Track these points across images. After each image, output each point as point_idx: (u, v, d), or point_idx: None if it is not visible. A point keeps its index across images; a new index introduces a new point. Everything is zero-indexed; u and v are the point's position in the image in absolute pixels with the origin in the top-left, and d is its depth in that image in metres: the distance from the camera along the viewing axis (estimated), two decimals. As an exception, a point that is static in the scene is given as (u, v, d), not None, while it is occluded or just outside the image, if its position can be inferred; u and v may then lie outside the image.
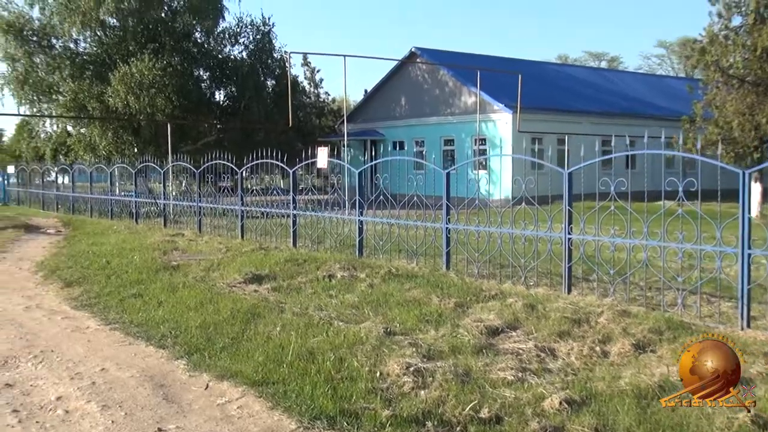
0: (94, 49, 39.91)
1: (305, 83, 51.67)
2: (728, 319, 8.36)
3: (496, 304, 8.98)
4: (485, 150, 35.13)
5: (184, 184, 25.68)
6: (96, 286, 11.26)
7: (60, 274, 12.71)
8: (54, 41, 39.46)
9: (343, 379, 6.25)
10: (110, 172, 25.21)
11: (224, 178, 20.77)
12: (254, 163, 16.29)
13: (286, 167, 15.34)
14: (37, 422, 5.69)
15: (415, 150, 38.59)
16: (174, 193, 22.14)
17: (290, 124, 28.29)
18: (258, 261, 12.60)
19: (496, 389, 5.92)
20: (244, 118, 40.03)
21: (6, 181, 39.52)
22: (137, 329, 8.52)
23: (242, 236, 16.38)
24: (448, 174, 11.97)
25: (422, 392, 5.89)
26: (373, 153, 41.31)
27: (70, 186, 29.72)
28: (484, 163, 30.54)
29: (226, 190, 18.42)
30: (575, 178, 9.98)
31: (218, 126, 42.13)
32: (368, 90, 46.85)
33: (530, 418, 5.31)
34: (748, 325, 7.94)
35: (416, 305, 9.03)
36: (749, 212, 8.14)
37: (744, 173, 8.16)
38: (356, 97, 51.16)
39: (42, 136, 46.52)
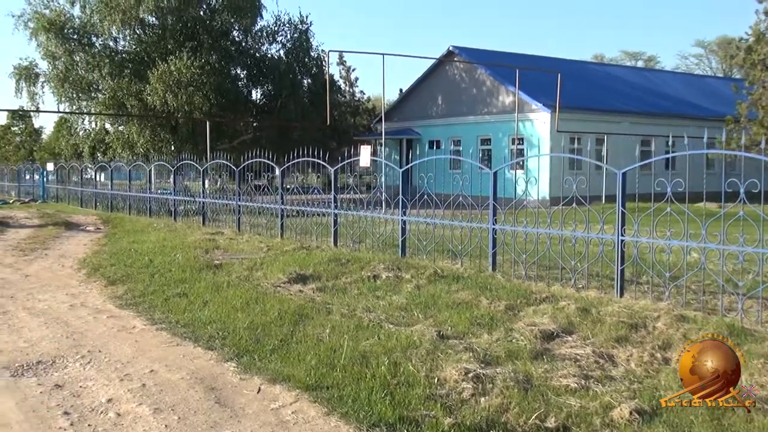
0: (133, 47, 40.27)
1: (340, 82, 51.80)
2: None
3: (548, 307, 8.75)
4: (523, 150, 34.80)
5: (219, 183, 25.67)
6: (140, 285, 11.20)
7: (103, 272, 12.69)
8: (94, 39, 39.88)
9: (400, 384, 6.08)
10: (149, 170, 25.30)
11: (261, 176, 20.75)
12: (295, 161, 16.19)
13: (327, 166, 15.22)
14: (89, 425, 5.58)
15: (451, 149, 38.35)
16: (209, 192, 22.09)
17: (329, 123, 28.15)
18: (301, 260, 12.46)
19: (559, 397, 5.70)
20: (281, 117, 40.08)
21: (45, 179, 39.88)
22: (184, 330, 8.41)
23: (282, 235, 16.27)
24: (495, 174, 11.74)
25: (483, 399, 5.69)
26: (409, 152, 41.09)
27: (108, 183, 29.88)
28: (521, 162, 30.26)
29: (262, 189, 18.37)
30: (629, 179, 9.73)
31: (254, 124, 42.24)
32: (403, 89, 46.68)
33: (599, 429, 5.11)
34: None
35: (466, 308, 8.83)
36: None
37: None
38: (391, 96, 50.89)
39: (81, 133, 46.97)
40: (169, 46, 38.15)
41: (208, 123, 31.49)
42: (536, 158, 27.89)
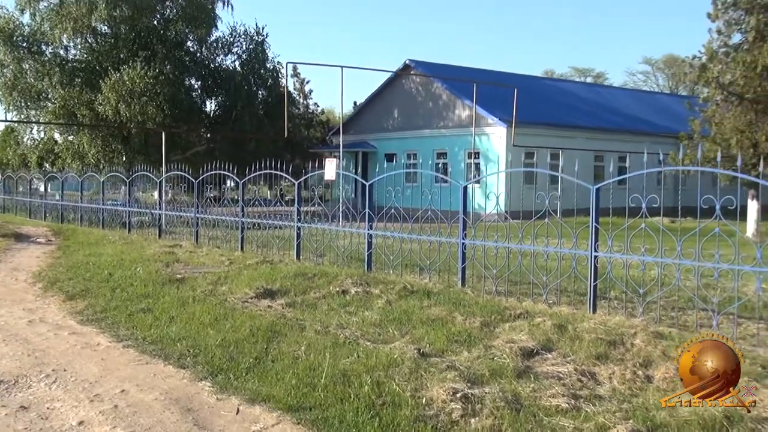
0: (85, 56, 39.50)
1: (295, 94, 51.56)
2: (764, 341, 8.08)
3: (524, 323, 8.66)
4: (478, 164, 34.93)
5: (170, 194, 25.21)
6: (101, 300, 10.83)
7: (61, 286, 12.26)
8: (44, 47, 39.07)
9: (386, 404, 5.90)
10: (102, 181, 24.75)
11: (220, 188, 20.45)
12: (257, 173, 15.94)
13: (291, 178, 14.99)
14: (62, 450, 5.30)
15: (407, 162, 38.33)
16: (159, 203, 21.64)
17: (286, 135, 27.90)
18: (266, 275, 12.20)
19: (552, 418, 5.58)
20: (235, 128, 39.67)
21: (-8, 189, 38.81)
22: (152, 347, 8.11)
23: (242, 248, 15.99)
24: (465, 188, 11.66)
25: (473, 420, 5.54)
26: (366, 165, 40.96)
27: (59, 194, 29.15)
28: (476, 176, 30.38)
29: (222, 201, 18.09)
30: (603, 194, 9.73)
31: (208, 136, 41.75)
32: (358, 102, 46.68)
33: (598, 452, 4.99)
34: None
35: (441, 324, 8.69)
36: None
37: None
38: (346, 109, 50.78)
39: (29, 143, 45.78)
40: (122, 56, 37.53)
41: (163, 134, 30.93)
42: (494, 172, 27.98)
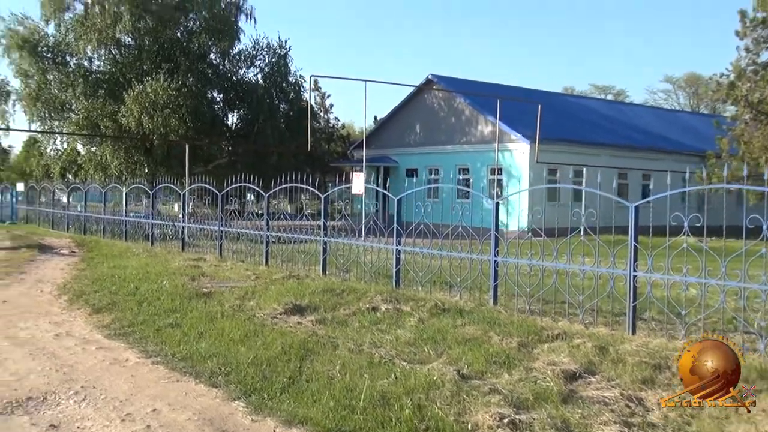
0: (109, 67, 39.63)
1: (316, 108, 51.49)
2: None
3: (563, 344, 8.40)
4: (501, 180, 34.66)
5: (191, 207, 25.13)
6: (128, 314, 10.66)
7: (87, 298, 12.12)
8: (68, 58, 39.28)
9: (429, 429, 5.67)
10: (124, 193, 24.72)
11: (242, 201, 20.32)
12: (282, 186, 15.77)
13: (318, 192, 14.83)
14: (95, 473, 5.10)
15: (429, 178, 38.11)
16: (180, 216, 21.54)
17: (309, 149, 27.79)
18: (294, 290, 12.00)
19: (606, 447, 5.34)
20: (257, 141, 39.61)
21: (15, 199, 38.95)
22: (182, 364, 7.91)
23: (267, 262, 15.82)
24: (497, 204, 11.45)
25: (524, 448, 5.31)
26: (386, 180, 40.76)
27: (81, 205, 29.15)
28: (499, 192, 30.17)
29: (246, 215, 17.97)
30: (642, 212, 9.48)
31: (229, 148, 41.73)
32: (379, 117, 46.52)
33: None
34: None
35: (477, 344, 8.44)
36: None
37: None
38: (367, 123, 50.71)
39: (52, 154, 45.92)
40: (146, 68, 37.61)
41: (186, 146, 30.90)
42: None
